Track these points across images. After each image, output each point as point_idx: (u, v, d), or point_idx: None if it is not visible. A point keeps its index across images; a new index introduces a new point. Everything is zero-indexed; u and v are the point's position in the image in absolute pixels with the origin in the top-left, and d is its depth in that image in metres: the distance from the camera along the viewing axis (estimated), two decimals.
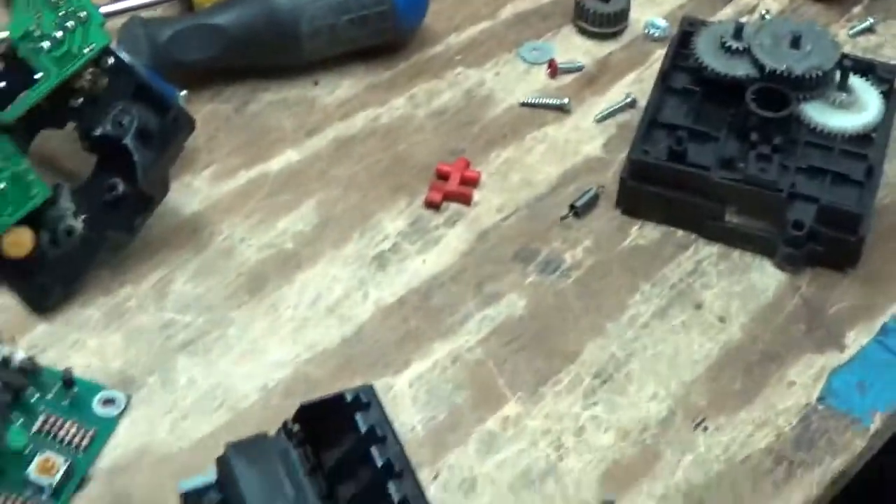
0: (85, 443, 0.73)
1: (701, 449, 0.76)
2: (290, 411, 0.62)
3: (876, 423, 0.78)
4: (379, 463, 0.57)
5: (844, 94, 0.87)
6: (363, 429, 0.58)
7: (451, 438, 0.75)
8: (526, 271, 0.84)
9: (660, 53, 0.94)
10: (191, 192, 0.86)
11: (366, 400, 0.60)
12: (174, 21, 0.90)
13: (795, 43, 0.87)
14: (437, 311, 0.82)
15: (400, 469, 0.57)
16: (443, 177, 0.87)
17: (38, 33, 0.80)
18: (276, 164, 0.89)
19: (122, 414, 0.75)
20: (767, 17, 0.98)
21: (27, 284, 0.80)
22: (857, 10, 0.98)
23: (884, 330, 0.82)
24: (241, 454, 0.59)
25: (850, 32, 0.97)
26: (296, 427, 0.61)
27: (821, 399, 0.78)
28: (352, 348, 0.80)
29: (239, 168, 0.88)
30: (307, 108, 0.92)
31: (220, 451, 0.61)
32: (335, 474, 0.59)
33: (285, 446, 0.60)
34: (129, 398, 0.76)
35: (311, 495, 0.59)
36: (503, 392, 0.78)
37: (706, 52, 0.88)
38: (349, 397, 0.60)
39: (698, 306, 0.83)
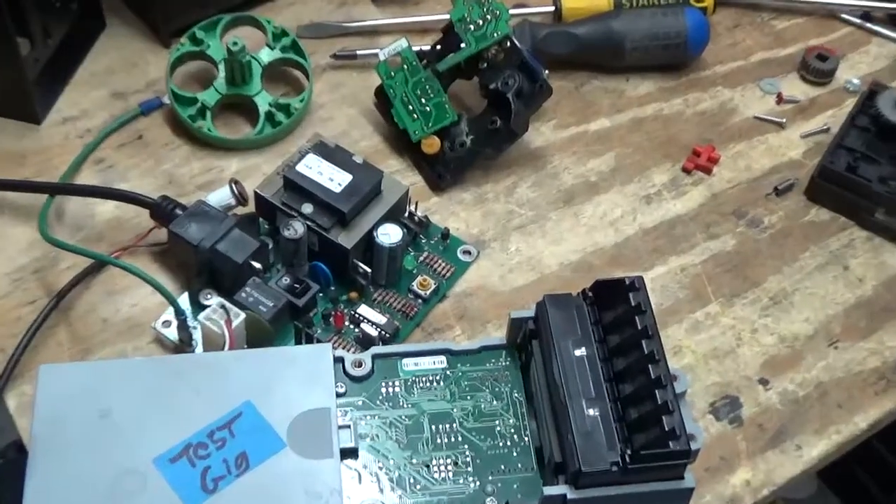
0: (448, 274, 0.63)
1: (831, 359, 0.63)
2: (574, 282, 0.52)
3: None
4: (639, 326, 0.48)
5: None
6: (633, 302, 0.49)
7: (671, 319, 0.63)
8: (738, 223, 0.69)
9: (850, 101, 0.77)
10: (539, 134, 0.74)
11: (638, 285, 0.50)
12: (548, 26, 0.78)
13: None
14: (677, 237, 0.68)
15: (652, 333, 0.48)
16: (696, 154, 0.72)
17: (468, 19, 0.69)
18: (594, 126, 0.75)
19: (473, 261, 0.65)
20: None
21: (431, 171, 0.69)
22: None
23: None
24: (553, 302, 0.51)
25: None
26: (590, 294, 0.51)
27: None
28: (619, 250, 0.67)
29: (570, 124, 0.75)
30: (618, 95, 0.78)
31: (526, 298, 0.52)
32: (609, 329, 0.50)
33: (581, 303, 0.51)
34: (478, 252, 0.65)
35: (592, 339, 0.50)
36: (709, 296, 0.65)
37: (885, 106, 0.70)
38: (627, 281, 0.50)
39: (846, 268, 0.67)
